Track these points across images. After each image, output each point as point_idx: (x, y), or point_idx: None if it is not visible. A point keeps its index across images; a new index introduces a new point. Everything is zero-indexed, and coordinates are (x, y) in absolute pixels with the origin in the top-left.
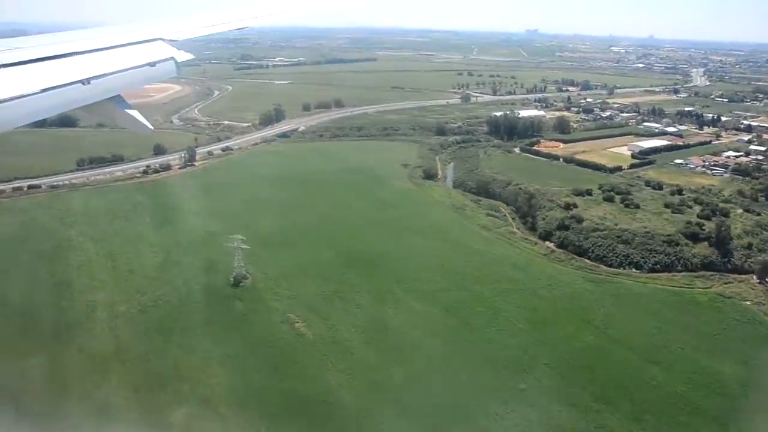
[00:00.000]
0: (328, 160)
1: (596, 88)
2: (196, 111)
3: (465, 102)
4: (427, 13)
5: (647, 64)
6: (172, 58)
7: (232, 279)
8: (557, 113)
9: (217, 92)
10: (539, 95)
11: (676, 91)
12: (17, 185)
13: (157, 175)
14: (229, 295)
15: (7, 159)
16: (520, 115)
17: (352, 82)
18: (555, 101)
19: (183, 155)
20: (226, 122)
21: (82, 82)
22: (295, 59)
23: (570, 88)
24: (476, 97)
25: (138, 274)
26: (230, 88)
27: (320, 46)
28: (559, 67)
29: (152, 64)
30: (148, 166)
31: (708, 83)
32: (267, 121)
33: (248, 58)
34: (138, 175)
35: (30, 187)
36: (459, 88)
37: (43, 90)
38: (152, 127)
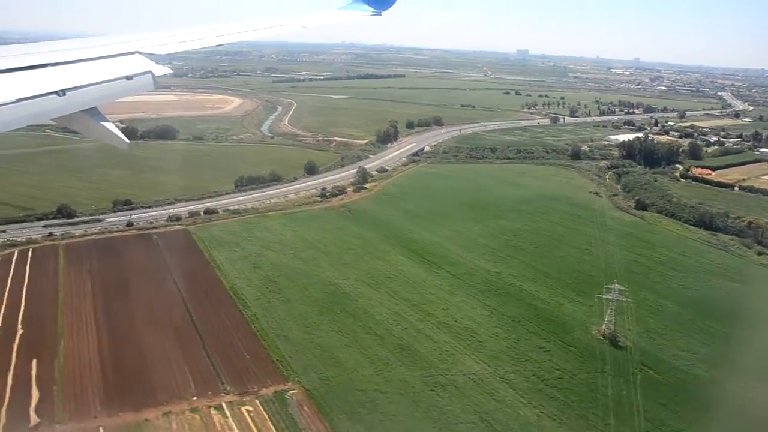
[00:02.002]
0: (507, 186)
1: (657, 111)
2: (286, 123)
3: (554, 123)
4: (414, 32)
5: (670, 87)
6: (150, 71)
7: (601, 336)
8: (661, 137)
9: (280, 107)
10: (615, 117)
11: (737, 115)
12: (191, 208)
13: (337, 199)
14: (627, 360)
15: (152, 178)
16: (655, 141)
17: (412, 98)
18: (643, 124)
19: (356, 176)
20: (337, 138)
21: (57, 93)
22: (323, 73)
23: (635, 111)
24: (561, 117)
25: (481, 334)
26: (294, 102)
27: (324, 60)
28: (588, 88)
29: (129, 77)
30: (324, 188)
31: (751, 108)
32: (384, 138)
33: (272, 71)
34: (318, 199)
35: (207, 212)
36: (528, 108)
37: (18, 100)
38: (128, 141)
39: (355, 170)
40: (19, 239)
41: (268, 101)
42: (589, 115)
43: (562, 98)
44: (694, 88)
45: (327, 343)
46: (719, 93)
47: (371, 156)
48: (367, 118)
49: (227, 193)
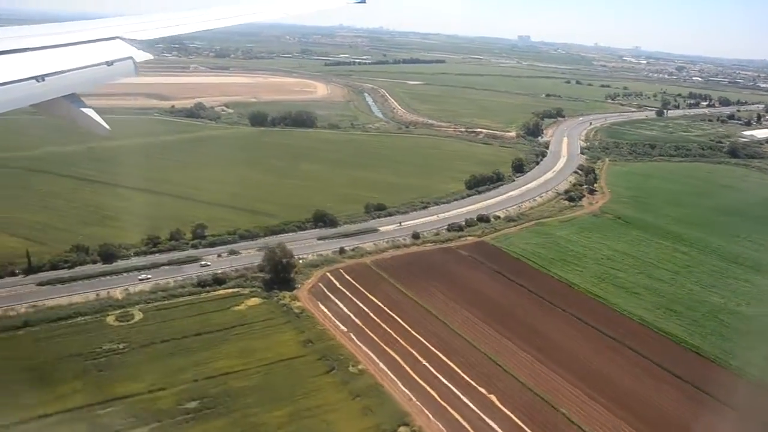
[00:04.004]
0: (723, 189)
1: (732, 104)
2: (402, 110)
3: (659, 116)
4: (412, 17)
5: (706, 78)
6: (131, 57)
7: None
8: None
9: (366, 93)
10: (704, 110)
11: None
12: (451, 213)
13: (586, 202)
14: None
15: (363, 175)
16: None
17: (482, 85)
18: (749, 119)
19: (584, 177)
20: (483, 130)
21: (36, 78)
22: (363, 57)
23: (715, 104)
24: (664, 111)
25: None
26: (376, 88)
27: (340, 43)
28: (627, 77)
29: (110, 63)
30: (567, 191)
31: None
32: (533, 131)
33: (308, 53)
34: (567, 202)
35: (480, 219)
36: (612, 100)
37: None
38: (109, 128)
39: (556, 169)
40: (309, 256)
41: (347, 85)
42: (677, 107)
43: (626, 89)
44: (729, 80)
45: None
46: (759, 84)
47: (547, 150)
48: (476, 106)
49: (469, 195)
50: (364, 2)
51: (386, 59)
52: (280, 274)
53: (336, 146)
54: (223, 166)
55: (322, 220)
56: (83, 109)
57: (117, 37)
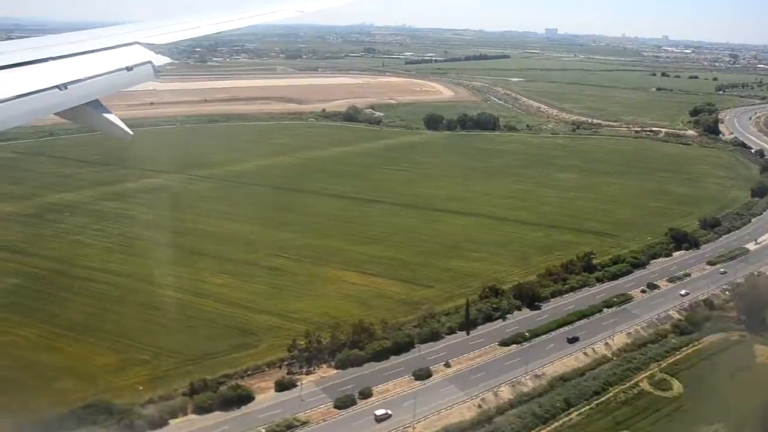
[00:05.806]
0: None
1: None
2: (552, 111)
3: None
4: (429, 13)
5: None
6: (150, 62)
7: None
8: None
9: (488, 94)
10: None
11: None
12: None
13: None
14: None
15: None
16: None
17: (590, 81)
18: None
19: None
20: (662, 130)
21: (59, 87)
22: (428, 55)
23: None
24: None
25: None
26: (496, 87)
27: (380, 41)
28: (689, 67)
29: (129, 68)
30: None
31: None
32: (712, 129)
33: (373, 51)
34: None
35: None
36: (722, 92)
37: (18, 96)
38: (131, 132)
39: None
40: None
41: (458, 84)
42: None
43: (715, 79)
44: None
45: None
46: None
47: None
48: (615, 104)
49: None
50: None
51: (452, 56)
52: (757, 313)
53: (545, 150)
54: (467, 176)
55: (684, 240)
56: (105, 115)
57: (135, 43)
